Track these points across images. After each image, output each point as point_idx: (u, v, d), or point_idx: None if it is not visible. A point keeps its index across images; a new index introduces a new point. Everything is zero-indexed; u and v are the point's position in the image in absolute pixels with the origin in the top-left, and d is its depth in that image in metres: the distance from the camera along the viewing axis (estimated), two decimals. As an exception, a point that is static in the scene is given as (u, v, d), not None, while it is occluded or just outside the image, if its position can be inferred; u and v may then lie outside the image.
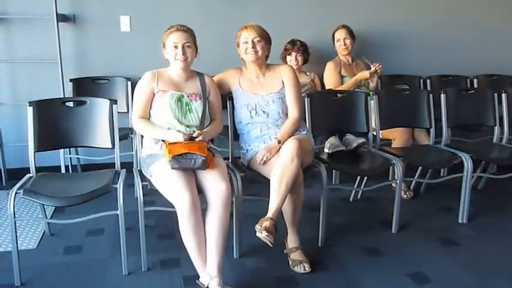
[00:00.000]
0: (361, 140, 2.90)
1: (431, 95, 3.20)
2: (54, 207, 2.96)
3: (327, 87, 3.52)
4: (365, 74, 3.42)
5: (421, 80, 4.00)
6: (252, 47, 2.50)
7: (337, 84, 3.49)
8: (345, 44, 3.55)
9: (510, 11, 4.25)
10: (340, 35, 3.56)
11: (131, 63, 3.55)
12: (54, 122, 2.49)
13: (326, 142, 2.91)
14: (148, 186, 2.31)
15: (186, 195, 2.04)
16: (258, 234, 2.13)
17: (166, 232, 2.65)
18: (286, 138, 2.41)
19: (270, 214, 2.19)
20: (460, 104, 3.30)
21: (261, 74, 2.60)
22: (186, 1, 3.62)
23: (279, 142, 2.40)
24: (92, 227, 2.73)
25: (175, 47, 2.34)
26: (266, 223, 2.14)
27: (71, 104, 2.57)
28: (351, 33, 3.58)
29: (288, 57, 3.55)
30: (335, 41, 3.61)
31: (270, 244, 2.12)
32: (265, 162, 2.38)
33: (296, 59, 3.53)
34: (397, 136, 3.25)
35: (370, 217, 3.03)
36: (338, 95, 3.11)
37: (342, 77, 3.53)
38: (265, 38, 2.53)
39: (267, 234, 2.09)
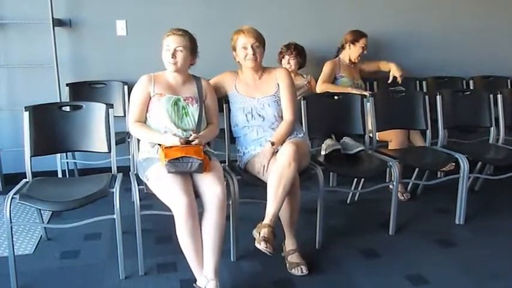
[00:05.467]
0: (359, 148, 2.89)
1: (427, 97, 3.20)
2: (51, 212, 2.95)
3: (318, 83, 3.52)
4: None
5: (417, 82, 4.00)
6: (253, 54, 2.50)
7: (326, 83, 3.49)
8: (362, 53, 3.58)
9: (506, 13, 4.27)
10: (364, 43, 3.58)
11: (128, 67, 3.54)
12: (50, 127, 2.49)
13: (322, 144, 2.92)
14: (145, 190, 2.32)
15: (182, 198, 2.04)
16: (257, 245, 2.13)
17: (163, 236, 2.65)
18: (280, 141, 2.42)
19: (267, 220, 2.19)
20: (456, 106, 3.31)
21: (257, 77, 2.61)
22: (182, 4, 3.62)
23: (272, 144, 2.41)
24: (88, 231, 2.73)
25: (168, 50, 2.35)
26: (264, 231, 2.14)
27: (67, 108, 2.57)
28: None
29: (283, 60, 3.55)
30: (356, 45, 3.58)
31: (269, 254, 2.12)
32: (265, 170, 2.37)
33: (289, 63, 3.51)
34: (393, 138, 3.25)
35: (367, 219, 3.03)
36: (335, 97, 3.11)
37: (340, 77, 3.55)
38: (262, 42, 2.53)
39: (265, 245, 2.09)
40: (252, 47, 2.50)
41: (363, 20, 3.89)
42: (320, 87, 3.48)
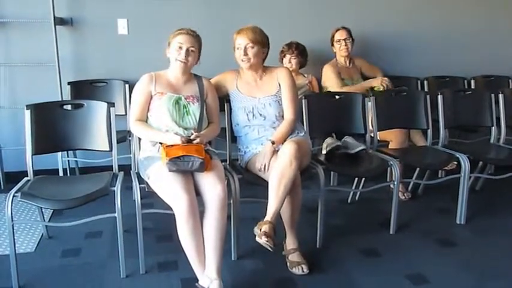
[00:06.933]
0: (361, 147, 2.89)
1: (428, 96, 3.20)
2: (52, 210, 2.96)
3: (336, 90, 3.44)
4: (376, 82, 3.46)
5: (418, 81, 4.00)
6: (244, 54, 2.50)
7: (339, 87, 3.45)
8: (345, 45, 3.56)
9: (507, 13, 4.26)
10: (341, 35, 3.57)
11: (129, 66, 3.55)
12: (51, 125, 2.49)
13: (323, 143, 2.92)
14: (146, 189, 2.32)
15: (184, 197, 2.04)
16: (257, 239, 2.13)
17: (164, 234, 2.65)
18: (281, 140, 2.42)
19: (268, 217, 2.19)
20: (457, 105, 3.31)
21: (258, 77, 2.61)
22: (184, 4, 3.62)
23: (272, 143, 2.41)
24: (90, 229, 2.73)
25: (180, 47, 2.35)
26: (265, 227, 2.14)
27: (68, 107, 2.57)
28: (350, 35, 3.59)
29: (284, 60, 3.54)
30: (334, 42, 3.61)
31: (269, 249, 2.13)
32: (266, 169, 2.37)
33: (290, 62, 3.50)
34: (394, 138, 3.25)
35: (368, 218, 3.04)
36: (336, 96, 3.11)
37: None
38: (260, 42, 2.51)
39: (266, 239, 2.10)
40: (245, 47, 2.49)
41: (363, 19, 3.90)
42: None
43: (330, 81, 3.51)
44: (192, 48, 2.37)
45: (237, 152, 2.66)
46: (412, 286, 2.24)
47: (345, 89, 3.41)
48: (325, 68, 3.58)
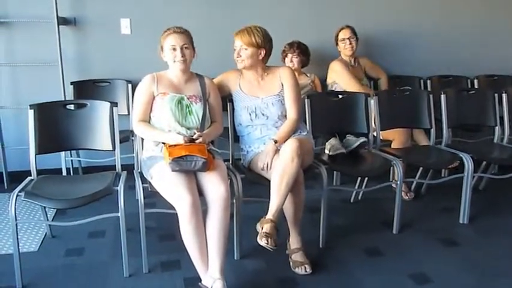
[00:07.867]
0: (362, 139, 2.89)
1: (431, 96, 3.20)
2: (55, 210, 2.97)
3: (346, 89, 3.39)
4: None
5: (422, 81, 3.99)
6: (237, 56, 2.52)
7: (357, 85, 3.41)
8: (350, 44, 3.55)
9: (510, 12, 4.25)
10: (345, 34, 3.56)
11: (132, 66, 3.55)
12: (55, 125, 2.50)
13: (327, 143, 2.92)
14: (149, 188, 2.32)
15: (187, 197, 2.04)
16: (258, 240, 2.13)
17: (167, 234, 2.65)
18: (283, 139, 2.41)
19: (270, 215, 2.19)
20: (461, 105, 3.30)
21: (260, 77, 2.61)
22: (186, 3, 3.62)
23: (275, 142, 2.40)
24: (93, 229, 2.74)
25: (174, 49, 2.36)
26: (266, 226, 2.14)
27: (71, 106, 2.59)
28: (355, 33, 3.58)
29: (286, 59, 3.54)
30: (339, 41, 3.60)
31: (270, 250, 2.13)
32: (268, 168, 2.36)
33: (292, 61, 3.50)
34: (396, 137, 3.24)
35: (371, 218, 3.03)
36: (339, 96, 3.11)
37: None
38: (254, 44, 2.49)
39: (267, 241, 2.10)
40: (239, 49, 2.51)
41: (366, 18, 3.89)
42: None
43: (342, 80, 3.48)
44: (185, 46, 2.37)
45: (239, 152, 2.66)
46: (415, 285, 2.23)
47: (366, 89, 3.36)
48: (335, 64, 3.54)
